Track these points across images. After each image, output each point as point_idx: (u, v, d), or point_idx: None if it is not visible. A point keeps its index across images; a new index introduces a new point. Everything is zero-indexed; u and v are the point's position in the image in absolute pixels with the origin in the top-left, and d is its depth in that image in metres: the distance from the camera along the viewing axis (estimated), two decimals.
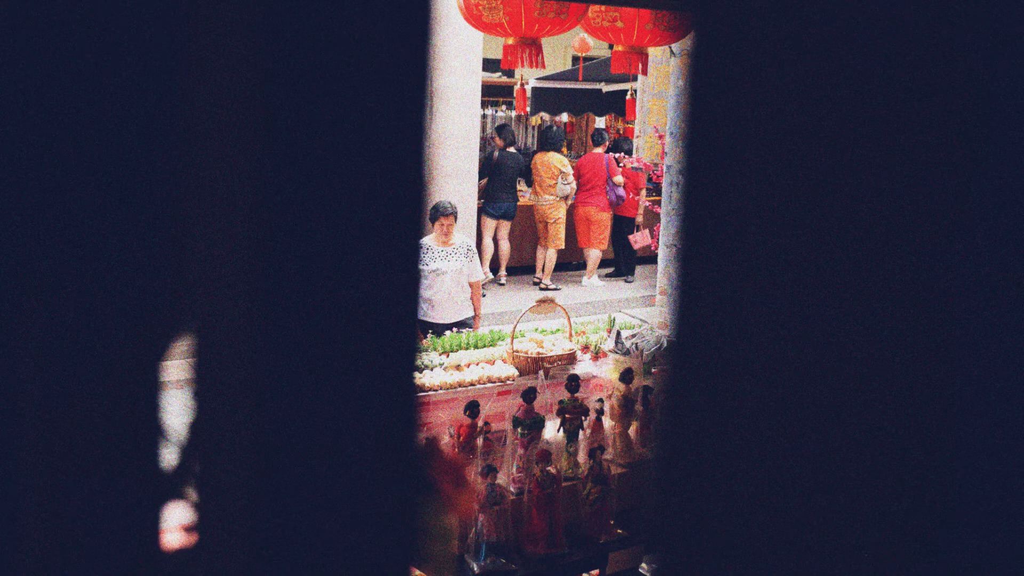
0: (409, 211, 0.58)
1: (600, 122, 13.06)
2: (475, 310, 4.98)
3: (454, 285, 4.79)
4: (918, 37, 0.37)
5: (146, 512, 0.79)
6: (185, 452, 0.98)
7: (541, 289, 8.61)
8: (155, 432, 0.88)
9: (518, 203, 8.93)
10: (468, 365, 3.60)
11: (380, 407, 0.66)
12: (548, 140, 8.94)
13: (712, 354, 0.43)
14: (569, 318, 3.94)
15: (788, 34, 0.39)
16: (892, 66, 0.37)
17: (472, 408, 2.72)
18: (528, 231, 9.23)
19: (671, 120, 5.75)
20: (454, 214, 4.80)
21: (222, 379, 0.62)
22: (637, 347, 3.70)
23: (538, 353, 3.69)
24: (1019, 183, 0.36)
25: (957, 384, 0.38)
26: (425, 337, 4.14)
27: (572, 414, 2.85)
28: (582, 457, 2.84)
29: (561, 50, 14.04)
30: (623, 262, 9.49)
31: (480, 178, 8.28)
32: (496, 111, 13.43)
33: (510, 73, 9.82)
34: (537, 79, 11.42)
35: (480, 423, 2.71)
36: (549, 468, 2.62)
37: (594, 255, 9.05)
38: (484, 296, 6.37)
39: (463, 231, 5.63)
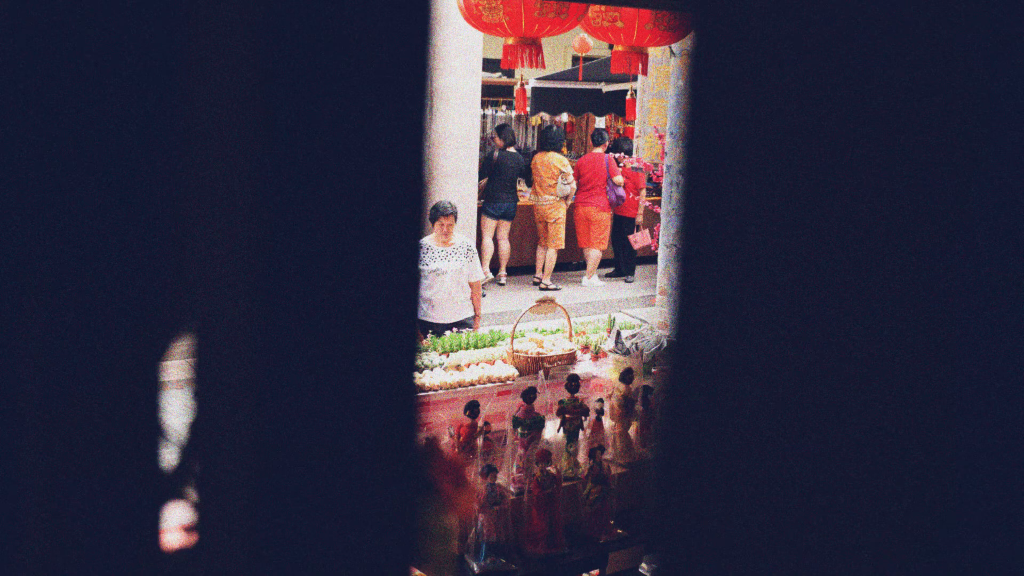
0: (409, 211, 0.58)
1: (600, 122, 13.06)
2: (475, 310, 4.98)
3: (454, 285, 4.79)
4: (918, 37, 0.37)
5: (146, 512, 0.79)
6: (185, 452, 0.98)
7: (541, 289, 8.61)
8: (155, 432, 0.88)
9: (518, 203, 8.93)
10: (468, 365, 3.60)
11: (380, 407, 0.66)
12: (548, 140, 8.94)
13: (712, 354, 0.43)
14: (569, 318, 3.94)
15: (788, 34, 0.39)
16: (892, 66, 0.37)
17: (472, 408, 2.72)
18: (528, 231, 9.23)
19: (671, 120, 5.75)
20: (454, 214, 4.80)
21: (222, 379, 0.62)
22: (637, 347, 3.70)
23: (538, 353, 3.69)
24: (1019, 183, 0.36)
25: (957, 384, 0.38)
26: (425, 337, 4.14)
27: (572, 414, 2.85)
28: (582, 457, 2.84)
29: (561, 50, 14.04)
30: (623, 262, 9.49)
31: (480, 178, 8.28)
32: (496, 111, 13.42)
33: (510, 73, 9.82)
34: (537, 79, 11.42)
35: (480, 423, 2.71)
36: (549, 468, 2.62)
37: (594, 255, 9.05)
38: (484, 296, 6.37)
39: (463, 231, 5.63)
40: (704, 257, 0.43)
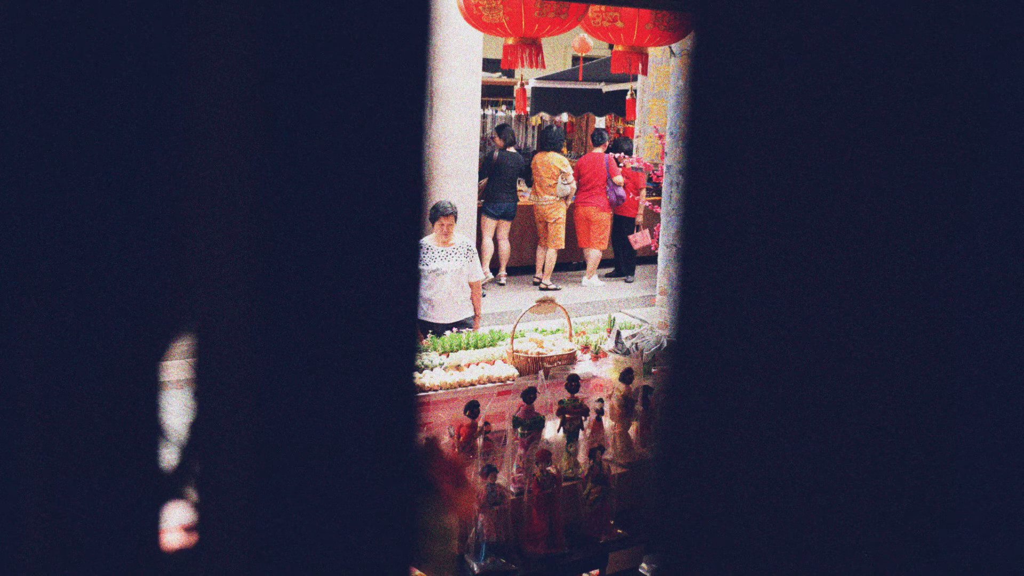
0: (409, 211, 0.58)
1: (600, 122, 13.06)
2: (475, 310, 4.98)
3: (454, 285, 4.79)
4: (918, 37, 0.37)
5: (146, 512, 0.79)
6: (185, 452, 0.98)
7: (541, 289, 8.61)
8: (155, 432, 0.88)
9: (518, 203, 8.93)
10: (468, 365, 3.60)
11: (380, 407, 0.66)
12: (548, 140, 8.94)
13: (712, 354, 0.43)
14: (569, 318, 3.94)
15: (788, 34, 0.39)
16: (892, 66, 0.37)
17: (472, 408, 2.72)
18: (528, 231, 9.23)
19: (671, 120, 5.75)
20: (454, 214, 4.80)
21: (222, 379, 0.62)
22: (637, 347, 3.70)
23: (538, 353, 3.69)
24: (1019, 183, 0.36)
25: (957, 384, 0.38)
26: (425, 337, 4.14)
27: (572, 414, 2.85)
28: (582, 457, 2.84)
29: (561, 50, 14.04)
30: (623, 262, 9.49)
31: (480, 178, 8.28)
32: (496, 111, 13.42)
33: (510, 73, 9.81)
34: (537, 79, 11.42)
35: (480, 423, 2.71)
36: (549, 468, 2.62)
37: (594, 255, 9.05)
38: (484, 296, 6.37)
39: (463, 231, 5.63)
40: (704, 257, 0.43)
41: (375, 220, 0.55)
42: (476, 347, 3.84)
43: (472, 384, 3.40)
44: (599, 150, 8.96)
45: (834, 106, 0.38)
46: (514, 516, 2.55)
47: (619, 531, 2.78)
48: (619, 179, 8.77)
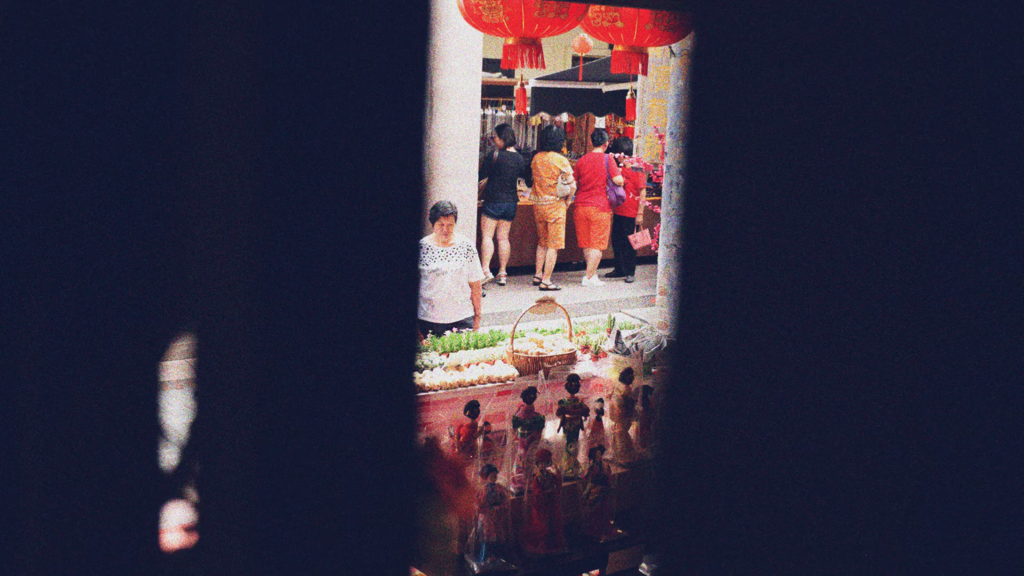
0: (409, 211, 0.58)
1: (600, 122, 13.05)
2: (475, 310, 4.98)
3: (454, 285, 4.79)
4: (918, 37, 0.37)
5: (146, 512, 0.79)
6: (185, 452, 0.98)
7: (541, 289, 8.61)
8: (155, 432, 0.88)
9: (518, 203, 8.93)
10: (468, 365, 3.60)
11: (380, 407, 0.66)
12: (548, 140, 8.94)
13: (712, 354, 0.43)
14: (569, 318, 3.94)
15: (788, 34, 0.39)
16: (892, 66, 0.37)
17: (472, 408, 2.72)
18: (528, 231, 9.23)
19: (671, 120, 5.75)
20: (454, 214, 4.80)
21: (222, 379, 0.62)
22: (637, 347, 3.70)
23: (538, 353, 3.69)
24: (1019, 183, 0.36)
25: (958, 383, 0.38)
26: (425, 337, 4.14)
27: (572, 414, 2.85)
28: (582, 457, 2.84)
29: (561, 50, 14.04)
30: (623, 262, 9.49)
31: (480, 178, 8.28)
32: (496, 111, 13.42)
33: (510, 73, 9.81)
34: (537, 79, 11.42)
35: (480, 423, 2.71)
36: (549, 468, 2.62)
37: (594, 255, 9.04)
38: (484, 296, 6.37)
39: (463, 231, 5.63)
40: (704, 257, 0.43)
41: (375, 220, 0.55)
42: (476, 347, 3.84)
43: (472, 384, 3.40)
44: (599, 150, 8.96)
45: (834, 106, 0.38)
46: (514, 516, 2.55)
47: (619, 531, 2.78)
48: (619, 179, 8.77)
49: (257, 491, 0.59)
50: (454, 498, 2.29)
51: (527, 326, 4.17)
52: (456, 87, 7.54)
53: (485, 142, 9.90)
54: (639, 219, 8.81)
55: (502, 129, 9.07)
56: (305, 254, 0.56)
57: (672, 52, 5.85)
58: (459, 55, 7.44)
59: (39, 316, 0.70)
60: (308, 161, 0.54)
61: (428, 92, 0.59)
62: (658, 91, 9.42)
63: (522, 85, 5.90)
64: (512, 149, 9.03)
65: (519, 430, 2.69)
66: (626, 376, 3.04)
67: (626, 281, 9.44)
